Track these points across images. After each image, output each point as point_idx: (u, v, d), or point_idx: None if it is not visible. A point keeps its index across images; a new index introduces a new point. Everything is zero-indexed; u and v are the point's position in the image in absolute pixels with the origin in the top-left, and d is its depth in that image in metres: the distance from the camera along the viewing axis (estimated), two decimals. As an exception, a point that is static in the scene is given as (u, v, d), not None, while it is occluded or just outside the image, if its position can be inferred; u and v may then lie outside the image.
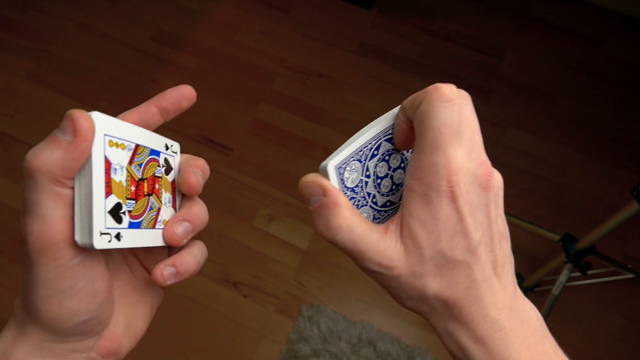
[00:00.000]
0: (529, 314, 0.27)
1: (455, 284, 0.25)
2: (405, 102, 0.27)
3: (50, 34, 1.69)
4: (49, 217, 0.23)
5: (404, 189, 0.26)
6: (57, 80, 1.59)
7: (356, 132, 0.29)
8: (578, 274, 1.13)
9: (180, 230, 0.29)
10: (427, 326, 1.23)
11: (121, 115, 0.29)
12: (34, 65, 1.62)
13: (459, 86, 0.26)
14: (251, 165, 1.45)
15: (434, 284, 0.25)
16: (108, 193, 0.25)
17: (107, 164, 0.25)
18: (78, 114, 0.23)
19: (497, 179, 0.26)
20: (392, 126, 0.29)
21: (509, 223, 1.14)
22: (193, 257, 0.30)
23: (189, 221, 0.30)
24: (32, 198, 0.23)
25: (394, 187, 0.30)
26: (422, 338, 1.22)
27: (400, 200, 0.30)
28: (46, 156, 0.23)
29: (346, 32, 1.76)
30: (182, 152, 0.34)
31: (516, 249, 1.30)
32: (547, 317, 1.13)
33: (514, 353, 0.25)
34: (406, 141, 0.28)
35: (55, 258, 0.24)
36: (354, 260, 0.26)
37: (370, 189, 0.29)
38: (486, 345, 0.25)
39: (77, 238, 0.24)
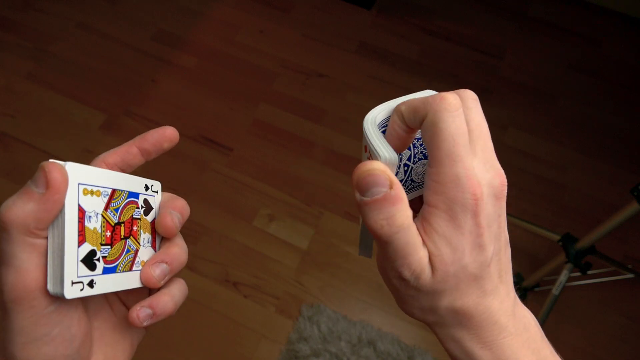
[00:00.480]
0: (529, 319, 0.27)
1: (467, 295, 0.25)
2: (403, 108, 0.26)
3: (50, 34, 1.69)
4: (23, 267, 0.23)
5: (425, 204, 0.25)
6: (57, 80, 1.59)
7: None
8: (578, 274, 1.13)
9: (158, 272, 0.29)
10: (427, 326, 1.23)
11: (103, 155, 0.29)
12: (34, 65, 1.62)
13: (458, 86, 0.26)
14: (251, 165, 1.45)
15: (448, 298, 0.25)
16: (81, 242, 0.25)
17: (81, 212, 0.25)
18: (50, 166, 0.23)
19: (505, 181, 0.26)
20: (388, 119, 0.27)
21: (509, 223, 1.14)
22: (171, 298, 0.30)
23: (166, 263, 0.30)
24: (6, 249, 0.23)
25: None
26: (422, 338, 1.22)
27: None
28: (19, 209, 0.23)
29: (346, 32, 1.76)
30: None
31: (516, 249, 1.30)
32: (547, 317, 1.14)
33: (521, 357, 0.25)
34: (400, 144, 0.27)
35: (30, 307, 0.24)
36: (392, 262, 0.25)
37: None
38: (493, 350, 0.25)
39: (50, 287, 0.24)
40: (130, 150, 0.30)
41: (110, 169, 0.29)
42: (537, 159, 1.53)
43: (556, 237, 1.13)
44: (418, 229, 0.25)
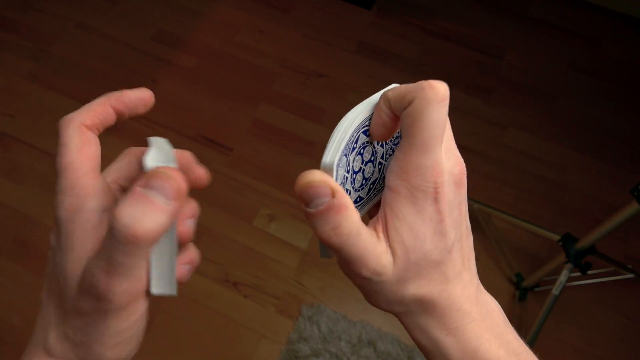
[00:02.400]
0: (492, 305, 0.28)
1: (430, 282, 0.25)
2: (390, 94, 0.26)
3: (50, 34, 1.69)
4: (138, 276, 0.23)
5: (387, 188, 0.25)
6: (57, 80, 1.59)
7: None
8: (578, 274, 1.13)
9: (187, 270, 0.29)
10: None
11: (79, 117, 0.27)
12: (34, 65, 1.62)
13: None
14: (251, 165, 1.45)
15: (412, 286, 0.25)
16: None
17: None
18: (175, 174, 0.22)
19: (464, 168, 0.27)
20: (370, 117, 0.27)
21: (509, 223, 1.14)
22: (193, 246, 0.30)
23: (190, 264, 0.29)
24: (126, 261, 0.22)
25: (364, 181, 0.29)
26: (422, 338, 1.22)
27: (368, 195, 0.29)
28: (152, 224, 0.21)
29: (346, 32, 1.76)
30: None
31: (516, 249, 1.30)
32: (547, 317, 1.14)
33: (485, 342, 0.26)
34: (385, 133, 0.27)
35: (134, 312, 0.24)
36: (348, 265, 0.25)
37: (348, 185, 0.28)
38: (458, 336, 0.26)
39: (154, 290, 0.24)
40: (108, 111, 0.29)
41: (90, 131, 0.27)
42: (537, 159, 1.53)
43: (556, 237, 1.13)
44: (380, 215, 0.25)
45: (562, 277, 1.09)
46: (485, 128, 1.57)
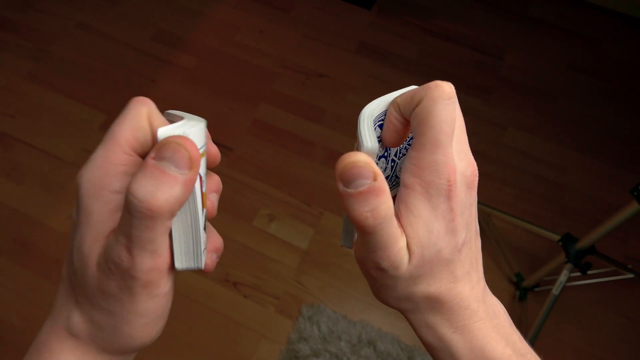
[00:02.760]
0: (498, 307, 0.28)
1: (440, 280, 0.26)
2: (399, 99, 0.26)
3: (50, 34, 1.69)
4: (161, 251, 0.23)
5: (402, 186, 0.26)
6: (57, 80, 1.59)
7: (356, 132, 0.28)
8: (578, 274, 1.13)
9: (214, 262, 0.29)
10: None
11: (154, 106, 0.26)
12: (34, 65, 1.62)
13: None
14: (251, 165, 1.45)
15: (423, 284, 0.26)
16: (203, 209, 0.25)
17: (200, 180, 0.24)
18: (186, 143, 0.22)
19: (477, 172, 0.27)
20: (385, 113, 0.28)
21: (509, 223, 1.14)
22: (215, 231, 0.30)
23: (216, 252, 0.29)
24: (145, 236, 0.22)
25: None
26: (422, 338, 1.22)
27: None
28: (166, 195, 0.21)
29: (346, 32, 1.76)
30: None
31: (516, 249, 1.30)
32: (547, 317, 1.14)
33: (491, 341, 0.26)
34: (397, 138, 0.27)
35: (157, 288, 0.24)
36: (372, 252, 0.25)
37: None
38: (465, 334, 0.26)
39: (179, 265, 0.24)
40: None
41: (150, 123, 0.25)
42: (537, 159, 1.53)
43: (556, 237, 1.13)
44: (396, 213, 0.26)
45: (562, 277, 1.09)
46: (485, 128, 1.57)
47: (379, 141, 0.28)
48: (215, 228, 0.30)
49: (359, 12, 1.81)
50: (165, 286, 0.24)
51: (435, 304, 0.26)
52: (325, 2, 1.83)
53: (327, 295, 1.27)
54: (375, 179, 0.24)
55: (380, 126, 0.28)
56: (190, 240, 0.24)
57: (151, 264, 0.23)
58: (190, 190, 0.22)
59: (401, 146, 0.30)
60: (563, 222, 1.42)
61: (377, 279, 0.27)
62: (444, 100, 0.24)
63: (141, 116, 0.24)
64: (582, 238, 1.07)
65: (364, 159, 0.24)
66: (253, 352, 1.19)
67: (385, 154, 0.29)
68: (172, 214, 0.22)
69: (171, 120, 0.26)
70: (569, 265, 1.09)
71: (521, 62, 1.73)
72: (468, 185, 0.26)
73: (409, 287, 0.26)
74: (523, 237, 1.37)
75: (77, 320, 0.25)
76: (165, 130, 0.22)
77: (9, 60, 1.63)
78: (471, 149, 0.27)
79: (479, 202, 1.32)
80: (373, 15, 1.81)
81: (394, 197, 0.26)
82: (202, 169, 0.24)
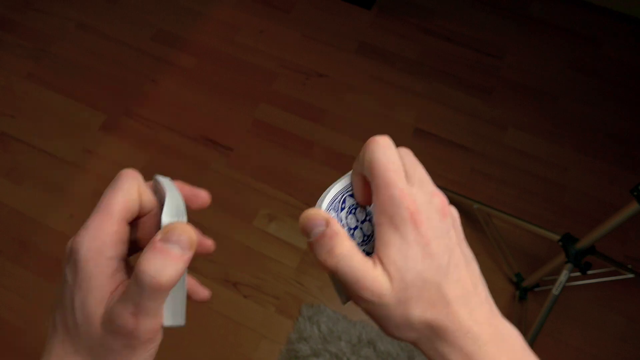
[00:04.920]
0: (510, 330, 0.29)
1: (433, 305, 0.27)
2: (354, 164, 0.31)
3: (50, 34, 1.69)
4: (159, 314, 0.27)
5: (375, 225, 0.28)
6: (57, 80, 1.59)
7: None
8: (578, 274, 1.13)
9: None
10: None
11: (142, 180, 0.31)
12: (34, 65, 1.62)
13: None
14: (251, 165, 1.45)
15: (417, 309, 0.27)
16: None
17: None
18: (189, 229, 0.26)
19: (453, 210, 0.30)
20: (351, 184, 0.32)
21: (509, 223, 1.14)
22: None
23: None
24: (151, 305, 0.26)
25: (365, 238, 0.33)
26: (422, 338, 1.22)
27: (374, 249, 0.32)
28: (172, 272, 0.25)
29: (346, 32, 1.76)
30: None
31: (516, 249, 1.29)
32: (547, 317, 1.14)
33: None
34: (365, 196, 0.31)
35: (153, 342, 0.28)
36: (352, 290, 0.27)
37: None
38: None
39: (170, 322, 0.28)
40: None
41: (140, 193, 0.31)
42: (537, 159, 1.53)
43: (556, 237, 1.13)
44: (374, 252, 0.28)
45: (562, 277, 1.09)
46: (485, 128, 1.57)
47: (357, 207, 0.33)
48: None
49: (359, 12, 1.81)
50: (158, 340, 0.28)
51: (439, 331, 0.27)
52: (325, 2, 1.83)
53: (327, 295, 1.27)
54: (327, 225, 0.28)
55: (351, 195, 0.32)
56: (178, 302, 0.28)
57: (152, 326, 0.26)
58: (187, 267, 0.26)
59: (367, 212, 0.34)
60: (563, 222, 1.42)
61: (373, 313, 0.28)
62: (380, 147, 0.28)
63: (133, 190, 0.29)
64: (582, 238, 1.07)
65: (315, 211, 0.28)
66: (253, 352, 1.19)
67: (368, 217, 0.33)
68: (173, 286, 0.26)
69: (157, 187, 0.31)
70: (568, 265, 1.09)
71: (521, 62, 1.73)
72: (439, 212, 0.28)
73: (404, 313, 0.27)
74: (523, 237, 1.37)
75: None
76: (167, 215, 0.28)
77: (9, 60, 1.63)
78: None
79: (479, 202, 1.32)
80: (373, 15, 1.81)
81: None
82: None
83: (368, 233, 0.33)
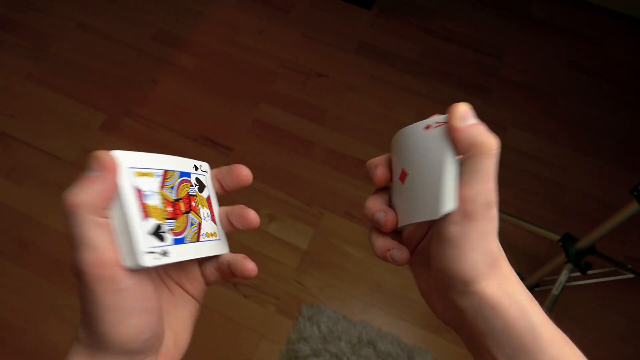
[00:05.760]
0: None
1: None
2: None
3: (50, 34, 1.69)
4: (98, 245, 0.26)
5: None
6: (57, 80, 1.59)
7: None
8: (578, 274, 1.13)
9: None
10: (427, 326, 1.23)
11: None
12: (34, 65, 1.62)
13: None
14: (251, 165, 1.45)
15: (495, 242, 0.30)
16: (145, 216, 0.28)
17: (139, 192, 0.28)
18: (100, 153, 0.27)
19: None
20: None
21: (509, 223, 1.14)
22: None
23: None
24: (79, 232, 0.25)
25: None
26: (422, 338, 1.22)
27: None
28: (83, 192, 0.26)
29: (346, 32, 1.76)
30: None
31: (516, 249, 1.29)
32: (547, 317, 1.13)
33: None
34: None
35: (112, 281, 0.26)
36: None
37: None
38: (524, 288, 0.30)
39: (126, 262, 0.26)
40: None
41: None
42: (537, 159, 1.53)
43: (556, 237, 1.13)
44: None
45: (562, 277, 1.09)
46: (485, 128, 1.57)
47: None
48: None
49: (359, 12, 1.81)
50: (125, 281, 0.26)
51: (496, 262, 0.29)
52: (325, 2, 1.83)
53: (327, 295, 1.27)
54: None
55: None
56: (126, 240, 0.26)
57: (94, 259, 0.25)
58: (109, 190, 0.26)
59: None
60: (563, 222, 1.42)
61: (455, 235, 0.29)
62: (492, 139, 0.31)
63: None
64: (582, 238, 1.07)
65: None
66: (253, 352, 1.19)
67: None
68: (94, 209, 0.26)
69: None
70: (568, 265, 1.09)
71: (521, 62, 1.73)
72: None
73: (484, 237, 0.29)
74: (523, 237, 1.37)
75: (81, 329, 0.29)
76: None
77: (9, 60, 1.63)
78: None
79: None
80: (373, 15, 1.81)
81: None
82: (148, 186, 0.29)
83: None
